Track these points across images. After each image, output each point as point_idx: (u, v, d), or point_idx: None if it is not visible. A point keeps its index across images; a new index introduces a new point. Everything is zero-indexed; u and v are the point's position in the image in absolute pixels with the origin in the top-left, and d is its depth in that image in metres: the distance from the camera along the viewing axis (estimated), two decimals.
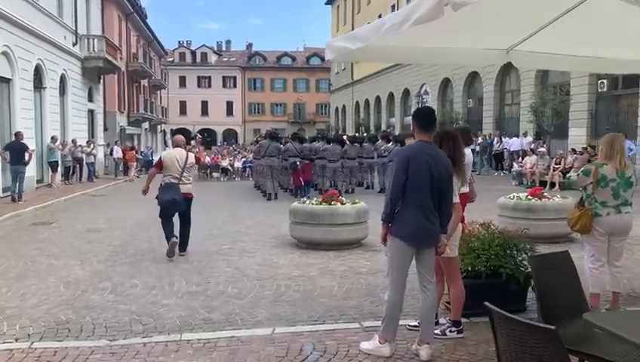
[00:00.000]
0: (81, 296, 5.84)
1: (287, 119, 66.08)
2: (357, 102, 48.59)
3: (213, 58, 67.55)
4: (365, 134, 22.24)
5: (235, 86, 66.81)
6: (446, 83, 31.53)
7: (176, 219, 7.85)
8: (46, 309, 5.38)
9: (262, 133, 23.98)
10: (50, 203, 14.51)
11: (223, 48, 71.25)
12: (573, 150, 17.51)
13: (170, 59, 63.10)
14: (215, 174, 25.01)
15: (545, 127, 18.72)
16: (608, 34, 4.99)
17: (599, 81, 19.27)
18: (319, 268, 6.95)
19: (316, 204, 8.16)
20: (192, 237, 8.80)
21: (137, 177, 27.09)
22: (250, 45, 70.84)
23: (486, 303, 2.41)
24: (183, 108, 65.44)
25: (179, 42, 69.02)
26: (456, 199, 4.25)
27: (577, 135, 19.67)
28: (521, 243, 5.15)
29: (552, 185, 16.49)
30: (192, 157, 7.95)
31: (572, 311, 3.20)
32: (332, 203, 8.16)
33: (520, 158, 18.83)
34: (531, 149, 18.30)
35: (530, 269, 5.10)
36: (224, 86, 66.63)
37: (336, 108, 55.17)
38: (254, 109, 67.07)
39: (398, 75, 37.92)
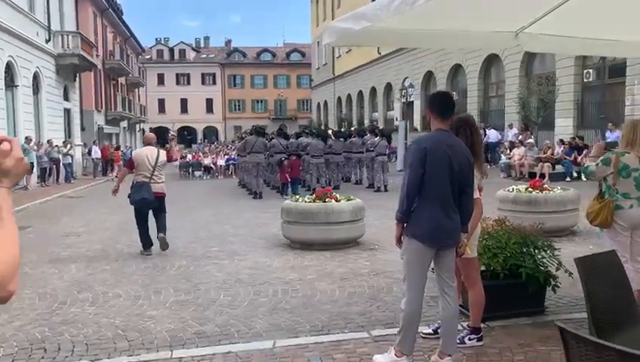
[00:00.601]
0: (59, 310, 5.32)
1: (268, 115, 65.36)
2: (339, 97, 48.16)
3: (191, 55, 66.50)
4: (352, 129, 21.77)
5: (214, 83, 65.86)
6: (429, 76, 31.25)
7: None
8: (18, 326, 4.85)
9: (246, 130, 23.46)
10: (25, 206, 13.84)
11: (202, 45, 70.19)
12: (562, 141, 17.32)
13: (148, 57, 61.93)
14: (197, 173, 24.43)
15: (532, 118, 18.51)
16: (623, 15, 4.64)
17: (585, 71, 19.11)
18: (316, 270, 6.51)
19: (310, 202, 7.72)
20: (176, 240, 8.34)
21: (116, 177, 26.43)
22: (229, 41, 69.89)
23: (558, 323, 2.01)
24: (162, 106, 64.36)
25: (156, 39, 67.85)
26: (476, 194, 3.85)
27: (564, 125, 19.50)
28: (539, 240, 4.78)
29: (542, 176, 16.25)
30: (163, 154, 7.66)
31: (626, 320, 2.81)
32: (326, 200, 7.73)
33: (508, 150, 18.58)
34: (519, 141, 18.06)
35: (549, 268, 4.80)
36: (203, 83, 65.64)
37: (318, 104, 54.67)
38: (235, 106, 66.23)
39: (380, 70, 37.58)
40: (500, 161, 18.40)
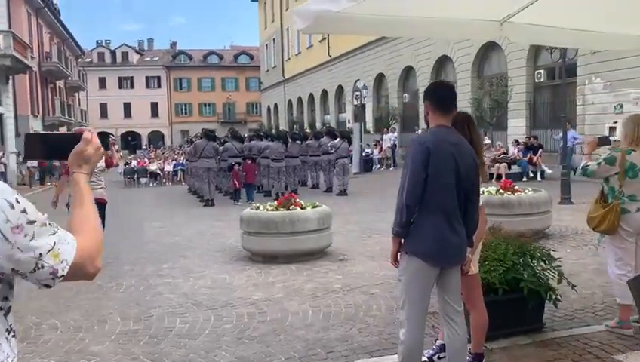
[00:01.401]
0: None
1: (216, 119, 63.99)
2: (289, 100, 47.53)
3: (134, 58, 64.36)
4: (307, 131, 21.13)
5: (159, 86, 63.97)
6: (380, 78, 31.10)
7: None
8: None
9: (196, 133, 22.46)
10: None
11: (145, 47, 68.07)
12: (517, 141, 17.32)
13: (89, 60, 59.51)
14: (143, 180, 23.22)
15: (486, 119, 18.48)
16: (610, 7, 4.27)
17: (536, 72, 19.26)
18: (284, 286, 5.86)
19: (272, 210, 7.06)
20: (123, 255, 7.52)
21: (54, 185, 24.87)
22: (174, 44, 68.10)
23: None
24: (104, 111, 61.96)
25: (97, 42, 65.33)
26: (480, 201, 3.32)
27: (517, 126, 19.59)
28: (536, 249, 4.31)
29: (499, 177, 16.15)
30: (101, 161, 6.87)
31: None
32: (290, 207, 7.09)
33: None
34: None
35: (549, 280, 4.33)
36: (148, 86, 63.64)
37: (268, 107, 53.84)
38: (181, 110, 64.50)
39: (331, 72, 37.24)
40: None
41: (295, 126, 43.24)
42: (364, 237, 8.53)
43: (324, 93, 39.57)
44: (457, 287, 3.17)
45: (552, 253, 4.35)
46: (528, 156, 16.46)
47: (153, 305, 5.42)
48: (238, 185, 13.62)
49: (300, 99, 44.97)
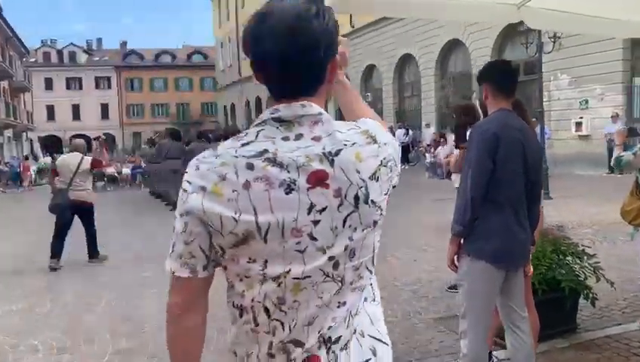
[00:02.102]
0: None
1: (170, 120, 62.22)
2: (247, 100, 46.77)
3: (83, 58, 61.96)
4: None
5: (109, 87, 61.79)
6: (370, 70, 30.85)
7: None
8: None
9: (159, 133, 21.57)
10: None
11: (94, 47, 65.64)
12: None
13: (34, 60, 56.85)
14: (99, 183, 22.09)
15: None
16: None
17: None
18: None
19: None
20: (101, 267, 6.92)
21: (3, 192, 23.46)
22: (124, 43, 65.94)
23: None
24: (50, 113, 59.34)
25: (42, 41, 62.49)
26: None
27: None
28: (572, 247, 4.06)
29: None
30: (86, 162, 7.29)
31: None
32: None
33: (433, 149, 18.41)
34: (443, 139, 17.90)
35: (582, 278, 4.09)
36: (97, 87, 61.38)
37: (225, 108, 52.87)
38: (133, 111, 62.52)
39: None
40: (426, 161, 18.18)
41: None
42: None
43: None
44: (521, 291, 2.85)
45: (586, 249, 4.11)
46: None
47: (144, 318, 4.88)
48: None
49: (258, 100, 44.27)
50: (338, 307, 1.15)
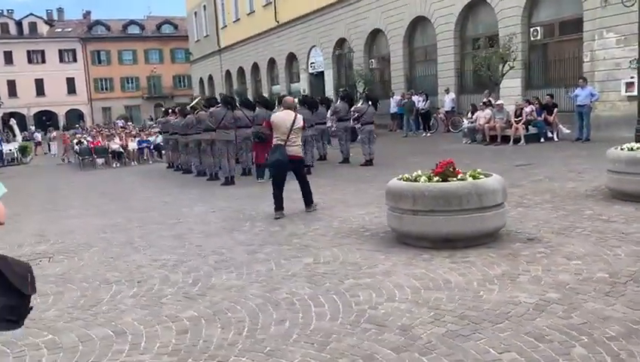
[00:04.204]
0: None
1: (141, 94, 59.89)
2: (227, 71, 44.90)
3: (44, 29, 58.33)
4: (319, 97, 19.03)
5: (75, 60, 58.55)
6: (341, 44, 29.59)
7: None
8: None
9: (172, 107, 20.02)
10: None
11: (55, 17, 61.89)
12: (528, 101, 16.65)
13: None
14: (100, 160, 20.45)
15: (493, 80, 17.61)
16: None
17: (532, 29, 18.65)
18: (518, 284, 4.44)
19: (437, 181, 5.57)
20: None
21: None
22: (88, 13, 62.42)
23: None
24: (12, 89, 55.93)
25: None
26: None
27: (511, 87, 18.91)
28: None
29: (517, 140, 15.45)
30: (300, 119, 7.80)
31: None
32: (448, 178, 5.63)
33: (469, 114, 17.57)
34: (483, 103, 17.07)
35: None
36: (62, 61, 58.06)
37: (201, 79, 50.75)
38: (102, 85, 59.56)
39: (280, 39, 35.22)
40: (463, 126, 17.34)
41: (240, 97, 40.90)
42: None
43: (272, 62, 37.50)
44: None
45: None
46: (543, 116, 15.83)
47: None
48: (263, 159, 11.84)
49: (241, 70, 42.51)
50: None
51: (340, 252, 5.65)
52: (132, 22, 60.93)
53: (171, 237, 7.00)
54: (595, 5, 15.96)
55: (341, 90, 16.33)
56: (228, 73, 44.99)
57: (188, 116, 13.73)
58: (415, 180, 5.74)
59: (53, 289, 5.08)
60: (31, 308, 2.06)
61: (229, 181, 11.69)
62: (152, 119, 38.11)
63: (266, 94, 37.32)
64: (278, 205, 7.57)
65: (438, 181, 5.59)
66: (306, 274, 4.98)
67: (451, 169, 5.76)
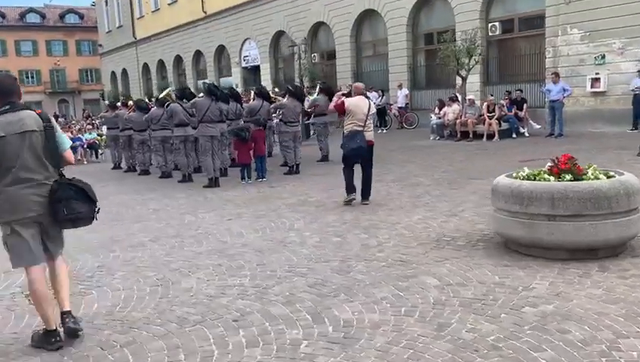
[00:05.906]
0: None
1: (43, 89, 54.83)
2: (145, 64, 42.02)
3: None
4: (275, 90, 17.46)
5: None
6: (278, 37, 28.39)
7: None
8: None
9: (111, 101, 17.81)
10: None
11: None
12: (508, 92, 16.53)
13: None
14: None
15: (461, 74, 17.24)
16: None
17: (490, 25, 18.60)
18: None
19: (555, 180, 4.74)
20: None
21: None
22: None
23: None
24: None
25: None
26: None
27: (470, 82, 18.76)
28: None
29: (490, 136, 15.20)
30: (373, 106, 7.61)
31: None
32: (566, 176, 4.83)
33: (437, 109, 17.10)
34: (450, 98, 16.69)
35: None
36: None
37: (113, 73, 47.21)
38: None
39: (207, 31, 33.32)
40: (432, 122, 16.85)
41: (161, 92, 38.31)
42: None
43: (198, 55, 35.41)
44: None
45: None
46: (513, 111, 15.71)
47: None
48: (249, 159, 10.53)
49: (161, 63, 39.87)
50: None
51: (461, 269, 4.65)
52: (31, 10, 55.54)
53: (211, 253, 5.64)
54: (558, 1, 16.08)
55: (319, 82, 15.13)
56: (146, 66, 42.13)
57: (153, 109, 12.00)
58: (534, 179, 4.87)
59: None
60: (98, 210, 3.68)
61: (214, 183, 10.24)
62: (89, 116, 34.15)
63: (192, 89, 35.36)
64: (352, 188, 7.52)
65: (570, 180, 4.76)
66: (465, 303, 3.93)
67: (575, 164, 4.97)
